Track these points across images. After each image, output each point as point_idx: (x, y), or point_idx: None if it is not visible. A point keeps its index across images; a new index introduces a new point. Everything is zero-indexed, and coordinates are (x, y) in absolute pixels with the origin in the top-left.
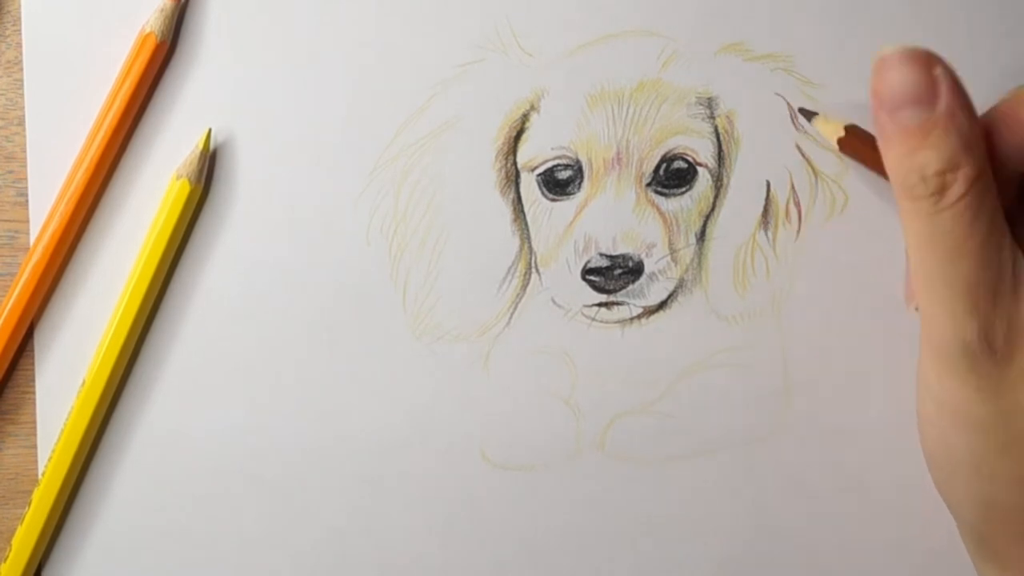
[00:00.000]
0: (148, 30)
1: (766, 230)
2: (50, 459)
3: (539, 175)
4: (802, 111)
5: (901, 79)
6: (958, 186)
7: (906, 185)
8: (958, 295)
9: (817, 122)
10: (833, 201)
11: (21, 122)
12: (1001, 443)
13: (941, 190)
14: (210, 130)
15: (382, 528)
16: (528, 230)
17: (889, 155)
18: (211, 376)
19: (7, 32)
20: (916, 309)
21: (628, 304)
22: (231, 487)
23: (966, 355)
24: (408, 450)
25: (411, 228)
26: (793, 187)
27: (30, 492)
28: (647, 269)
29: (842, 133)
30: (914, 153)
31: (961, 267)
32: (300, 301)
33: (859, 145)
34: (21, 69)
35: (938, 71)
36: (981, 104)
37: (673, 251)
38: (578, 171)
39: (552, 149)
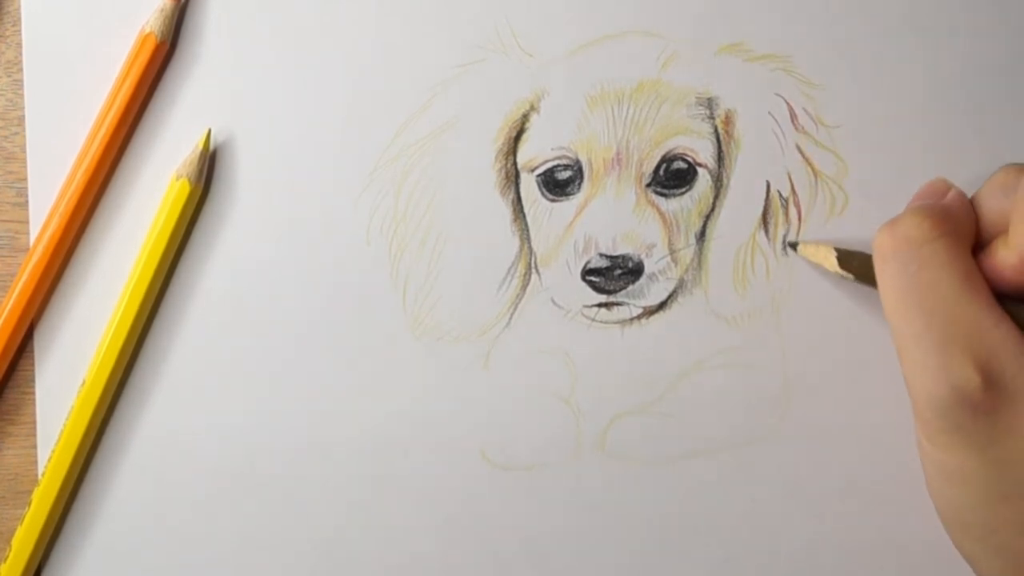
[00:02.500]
0: (148, 30)
1: (766, 230)
2: (50, 459)
3: (539, 175)
4: (789, 245)
5: (925, 187)
6: (931, 237)
7: (891, 243)
8: (932, 350)
9: (803, 250)
10: (833, 201)
11: (21, 122)
12: (999, 495)
13: (918, 243)
14: (210, 130)
15: (382, 528)
16: (528, 230)
17: (884, 227)
18: (211, 376)
19: (7, 32)
20: None
21: (628, 304)
22: (231, 487)
23: (945, 413)
24: (408, 450)
25: (411, 228)
26: (793, 187)
27: (30, 492)
28: (647, 269)
29: (834, 256)
30: (905, 219)
31: (933, 319)
32: (300, 301)
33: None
34: (21, 69)
35: (952, 187)
36: (980, 100)
37: (673, 251)
38: (578, 171)
39: (552, 149)
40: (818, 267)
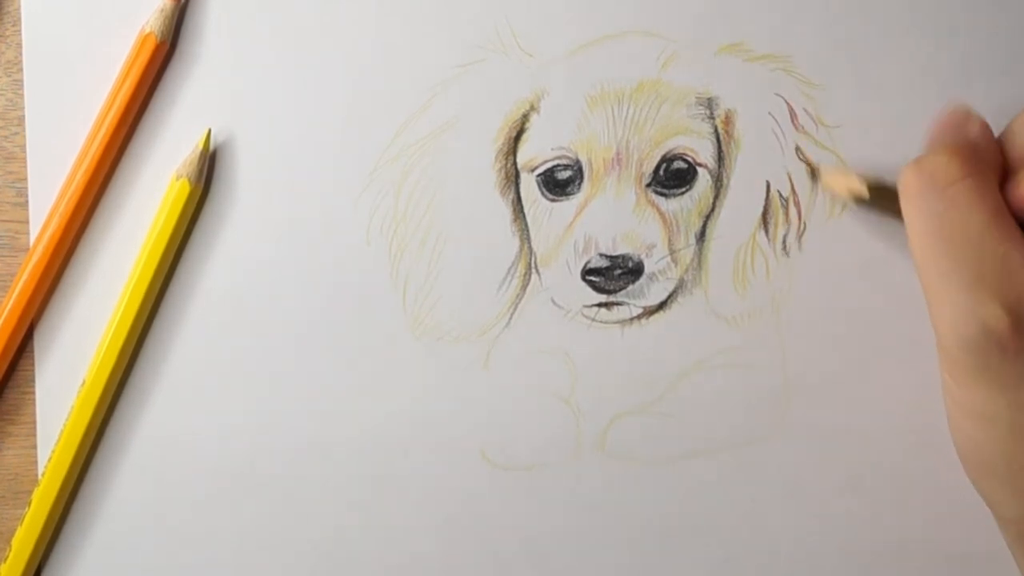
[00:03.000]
0: (148, 30)
1: (766, 230)
2: (50, 459)
3: (539, 175)
4: (811, 169)
5: (944, 116)
6: (958, 177)
7: (918, 183)
8: (960, 289)
9: (826, 177)
10: (833, 201)
11: (21, 122)
12: None
13: (945, 182)
14: (210, 130)
15: (382, 528)
16: (528, 230)
17: (910, 165)
18: (211, 376)
19: (7, 32)
20: None
21: (628, 304)
22: (231, 487)
23: (973, 351)
24: (408, 450)
25: (411, 228)
26: (793, 187)
27: (30, 492)
28: (647, 269)
29: (864, 189)
30: (931, 156)
31: (962, 259)
32: (300, 301)
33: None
34: (21, 69)
35: (972, 115)
36: (980, 100)
37: (673, 251)
38: (578, 171)
39: (552, 149)
40: (840, 197)
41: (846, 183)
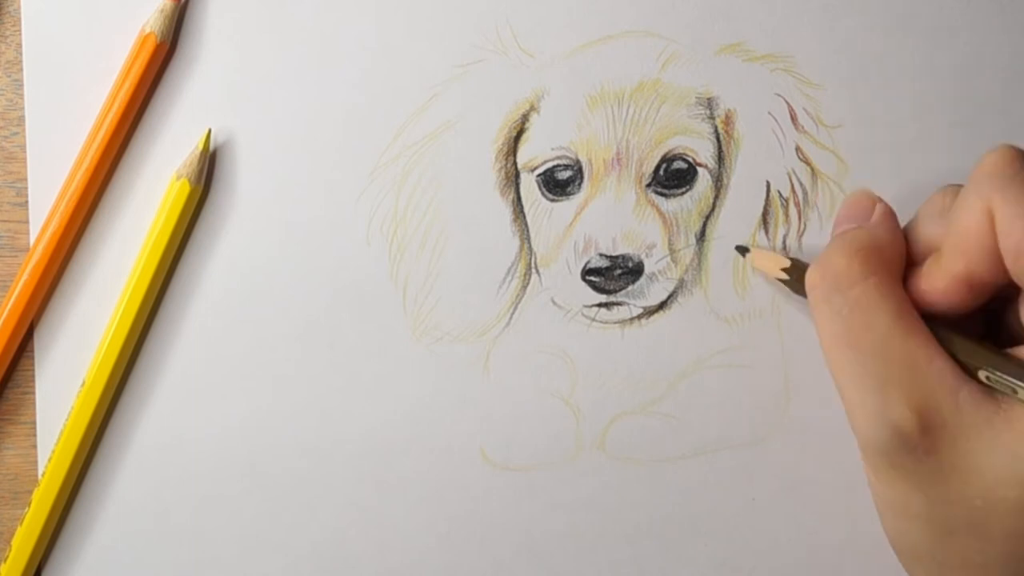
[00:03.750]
0: (148, 30)
1: (766, 230)
2: (50, 459)
3: (539, 175)
4: (738, 248)
5: (848, 203)
6: (860, 278)
7: (823, 285)
8: (868, 391)
9: (754, 259)
10: (833, 201)
11: (21, 122)
12: (945, 531)
13: (847, 284)
14: (210, 130)
15: (382, 528)
16: (528, 230)
17: (814, 265)
18: (211, 376)
19: (7, 32)
20: None
21: (628, 304)
22: (231, 487)
23: (888, 453)
24: (408, 451)
25: (411, 228)
26: (793, 187)
27: (30, 492)
28: (647, 269)
29: (785, 267)
30: (833, 256)
31: (868, 361)
32: (300, 301)
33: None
34: (21, 69)
35: (878, 203)
36: (980, 100)
37: (673, 251)
38: (578, 171)
39: (552, 149)
40: (763, 274)
41: (774, 263)
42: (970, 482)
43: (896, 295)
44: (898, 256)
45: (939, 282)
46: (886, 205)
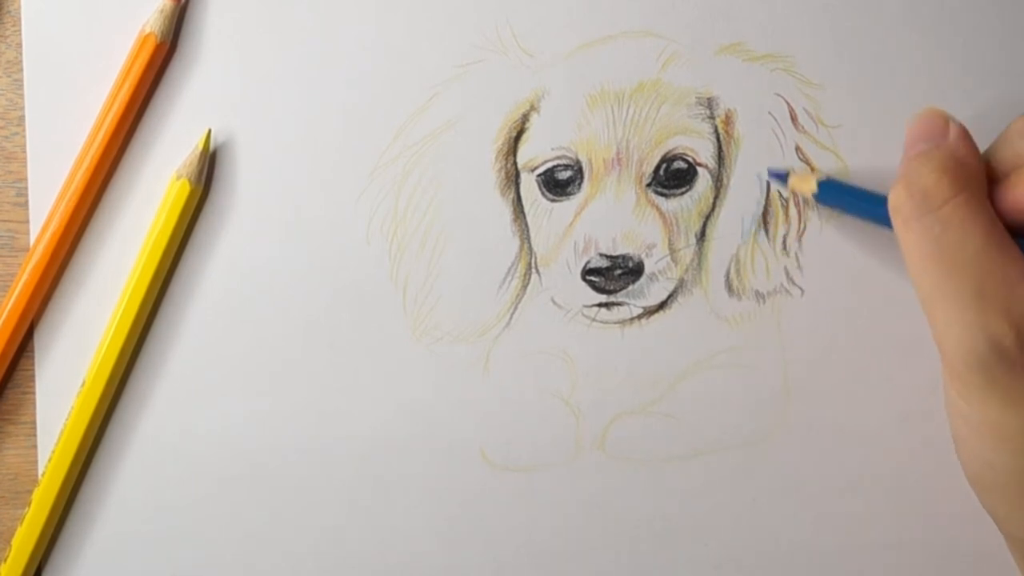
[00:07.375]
0: (148, 30)
1: (766, 230)
2: (50, 459)
3: (539, 175)
4: (772, 174)
5: (920, 122)
6: (950, 195)
7: (910, 204)
8: (964, 307)
9: (792, 181)
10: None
11: (21, 122)
12: None
13: (937, 203)
14: (210, 130)
15: (382, 528)
16: (528, 230)
17: (898, 185)
18: (211, 376)
19: (7, 32)
20: None
21: (628, 304)
22: (231, 487)
23: (981, 369)
24: (408, 451)
25: (411, 228)
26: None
27: (30, 492)
28: (647, 269)
29: (815, 187)
30: (919, 175)
31: (963, 277)
32: (300, 301)
33: (836, 194)
34: (21, 69)
35: (950, 121)
36: (980, 98)
37: (673, 251)
38: (578, 171)
39: (552, 149)
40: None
41: (808, 186)
42: None
43: (986, 210)
44: (980, 170)
45: None
46: (960, 124)
